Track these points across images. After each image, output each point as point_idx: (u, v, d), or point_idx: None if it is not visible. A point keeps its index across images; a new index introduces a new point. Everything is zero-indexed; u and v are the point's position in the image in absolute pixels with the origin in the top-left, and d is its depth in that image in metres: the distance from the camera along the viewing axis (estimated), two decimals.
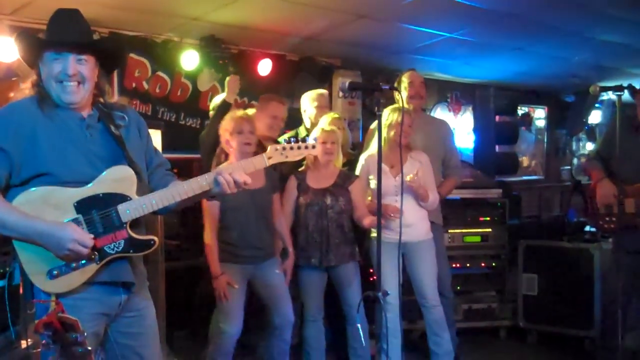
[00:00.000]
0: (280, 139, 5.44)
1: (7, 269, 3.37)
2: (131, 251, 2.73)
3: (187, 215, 6.16)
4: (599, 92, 4.58)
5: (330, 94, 7.64)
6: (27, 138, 2.61)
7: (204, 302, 5.22)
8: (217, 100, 5.54)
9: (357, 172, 5.04)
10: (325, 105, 5.69)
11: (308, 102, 5.67)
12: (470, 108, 9.15)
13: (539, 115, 11.31)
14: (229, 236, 4.53)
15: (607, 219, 5.00)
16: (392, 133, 4.85)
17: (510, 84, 9.25)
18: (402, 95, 5.28)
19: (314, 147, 3.06)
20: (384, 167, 4.80)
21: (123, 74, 6.15)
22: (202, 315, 5.10)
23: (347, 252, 4.83)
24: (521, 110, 10.32)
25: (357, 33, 6.48)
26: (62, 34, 2.73)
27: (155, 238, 2.80)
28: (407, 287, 5.02)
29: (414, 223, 4.89)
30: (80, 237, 2.57)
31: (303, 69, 7.36)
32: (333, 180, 4.85)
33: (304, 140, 3.06)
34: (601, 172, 5.11)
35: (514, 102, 7.97)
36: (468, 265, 6.44)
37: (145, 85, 6.34)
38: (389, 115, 4.91)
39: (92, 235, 2.62)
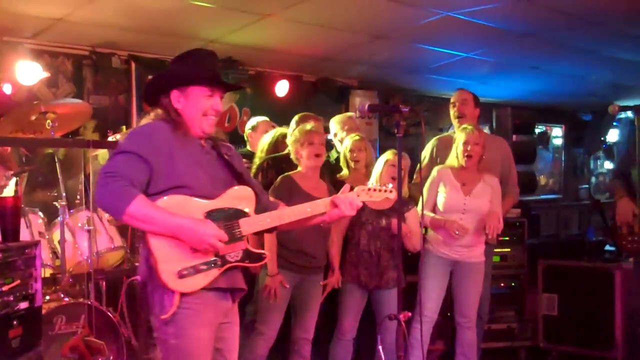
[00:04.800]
0: None
1: (30, 291, 3.39)
2: (247, 261, 3.02)
3: None
4: (618, 112, 4.55)
5: None
6: (165, 154, 2.89)
7: None
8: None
9: (426, 184, 4.99)
10: (354, 128, 5.69)
11: (337, 126, 5.67)
12: (487, 127, 9.13)
13: (556, 134, 11.28)
14: (287, 241, 4.49)
15: (630, 238, 4.91)
16: (461, 151, 4.87)
17: (527, 103, 9.25)
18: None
19: (391, 192, 3.31)
20: (455, 182, 4.85)
21: (142, 96, 6.20)
22: None
23: (394, 277, 4.76)
24: (538, 129, 10.29)
25: (373, 53, 6.51)
26: (216, 75, 3.12)
27: (267, 252, 3.14)
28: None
29: (472, 245, 4.86)
30: (218, 233, 2.86)
31: (320, 89, 7.39)
32: (391, 203, 4.80)
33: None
34: (621, 190, 5.04)
35: (531, 121, 7.94)
36: None
37: None
38: (459, 134, 4.95)
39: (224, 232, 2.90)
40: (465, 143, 4.83)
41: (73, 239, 4.42)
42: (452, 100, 5.57)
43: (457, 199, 4.82)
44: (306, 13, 5.24)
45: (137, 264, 4.73)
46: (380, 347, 3.60)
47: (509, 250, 6.46)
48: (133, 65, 6.16)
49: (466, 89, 5.69)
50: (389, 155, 4.79)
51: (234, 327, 3.19)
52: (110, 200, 2.80)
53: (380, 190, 3.33)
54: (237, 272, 3.07)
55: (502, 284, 6.44)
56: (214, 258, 2.91)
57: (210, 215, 2.93)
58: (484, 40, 6.30)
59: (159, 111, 3.06)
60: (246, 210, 3.04)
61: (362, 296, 4.85)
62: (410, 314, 2.88)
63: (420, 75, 7.63)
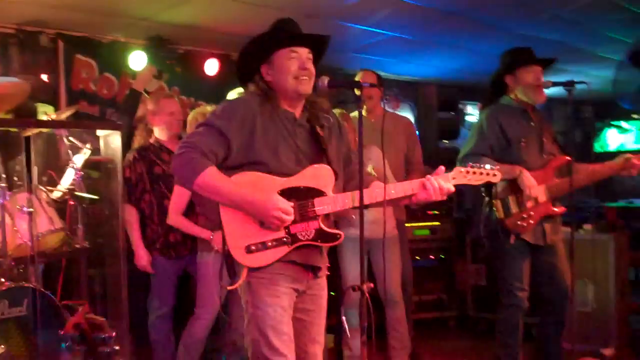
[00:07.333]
0: None
1: None
2: (319, 241, 3.05)
3: None
4: (550, 87, 4.65)
5: None
6: (247, 129, 2.97)
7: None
8: None
9: None
10: None
11: None
12: (410, 104, 9.31)
13: (471, 112, 11.55)
14: (208, 224, 4.52)
15: (524, 216, 4.54)
16: None
17: (451, 81, 9.44)
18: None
19: (494, 175, 3.23)
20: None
21: (70, 75, 6.05)
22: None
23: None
24: (462, 106, 10.52)
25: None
26: (293, 32, 3.14)
27: (342, 233, 3.09)
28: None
29: (379, 219, 4.84)
30: (284, 206, 2.91)
31: None
32: None
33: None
34: (512, 165, 4.59)
35: (454, 98, 8.16)
36: (417, 258, 6.57)
37: (93, 87, 6.24)
38: None
39: (292, 204, 2.94)
40: None
41: (12, 222, 4.29)
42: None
43: None
44: None
45: (77, 245, 4.69)
46: (344, 318, 3.69)
47: (438, 223, 6.68)
48: (61, 44, 5.99)
49: (370, 69, 5.66)
50: None
51: (319, 300, 3.22)
52: (182, 171, 2.94)
53: (481, 173, 3.18)
54: (314, 250, 3.10)
55: (431, 257, 6.65)
56: (284, 235, 2.97)
57: (284, 193, 2.96)
58: (408, 19, 6.40)
59: (252, 88, 3.14)
60: (323, 189, 3.04)
61: None
62: (372, 284, 2.95)
63: (346, 55, 7.68)
